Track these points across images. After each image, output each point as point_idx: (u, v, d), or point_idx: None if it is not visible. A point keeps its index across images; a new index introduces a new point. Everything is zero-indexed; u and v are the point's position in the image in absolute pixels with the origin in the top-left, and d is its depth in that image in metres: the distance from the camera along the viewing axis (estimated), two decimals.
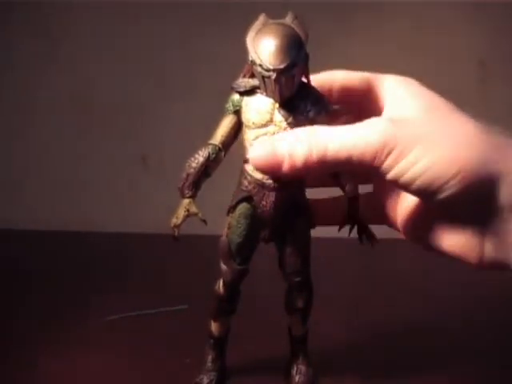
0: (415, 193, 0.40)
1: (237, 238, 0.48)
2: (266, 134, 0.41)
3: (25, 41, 1.34)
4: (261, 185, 0.44)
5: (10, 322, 0.84)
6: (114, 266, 1.10)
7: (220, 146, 0.45)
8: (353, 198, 0.46)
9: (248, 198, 0.46)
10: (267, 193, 0.43)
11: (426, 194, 0.40)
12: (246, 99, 0.43)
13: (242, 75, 0.46)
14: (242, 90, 0.44)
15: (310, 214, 0.47)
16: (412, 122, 0.41)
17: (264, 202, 0.44)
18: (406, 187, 0.40)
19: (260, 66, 0.40)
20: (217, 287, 0.51)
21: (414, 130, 0.39)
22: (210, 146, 0.45)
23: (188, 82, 1.33)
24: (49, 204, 1.37)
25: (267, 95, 0.42)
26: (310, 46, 1.43)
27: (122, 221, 1.34)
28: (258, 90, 0.45)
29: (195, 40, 1.32)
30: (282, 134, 0.41)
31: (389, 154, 0.38)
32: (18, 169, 1.39)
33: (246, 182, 0.45)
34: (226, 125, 0.45)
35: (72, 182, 1.37)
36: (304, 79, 0.45)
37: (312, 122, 0.42)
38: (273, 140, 0.41)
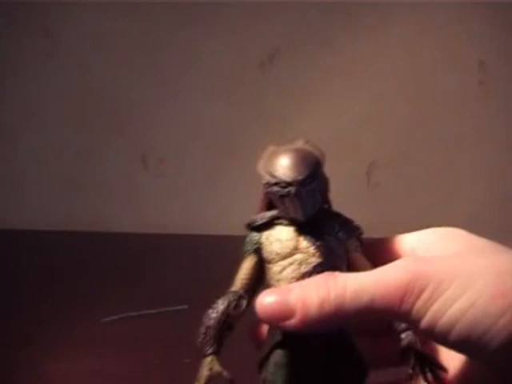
0: (455, 345, 0.32)
1: None
2: (292, 264, 0.37)
3: (25, 40, 1.34)
4: None
5: (10, 321, 0.84)
6: (114, 266, 1.10)
7: (241, 291, 0.39)
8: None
9: (282, 343, 0.37)
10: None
11: (469, 344, 0.31)
12: (266, 233, 0.39)
13: (257, 212, 0.40)
14: (259, 223, 0.39)
15: (361, 359, 0.38)
16: (446, 257, 0.33)
17: (303, 346, 0.37)
18: (444, 337, 0.31)
19: (276, 184, 0.36)
20: None
21: (450, 265, 0.32)
22: (230, 294, 0.39)
23: (188, 83, 1.34)
24: (48, 204, 1.37)
25: (288, 216, 0.37)
26: (313, 46, 1.44)
27: (122, 221, 1.34)
28: (277, 221, 0.38)
29: (195, 40, 1.32)
30: (296, 282, 0.35)
31: (420, 293, 0.31)
32: (17, 169, 1.38)
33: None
34: (245, 267, 0.39)
35: (72, 183, 1.37)
36: (324, 205, 0.39)
37: (344, 245, 0.37)
38: (285, 287, 0.35)
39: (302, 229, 0.37)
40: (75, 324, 0.83)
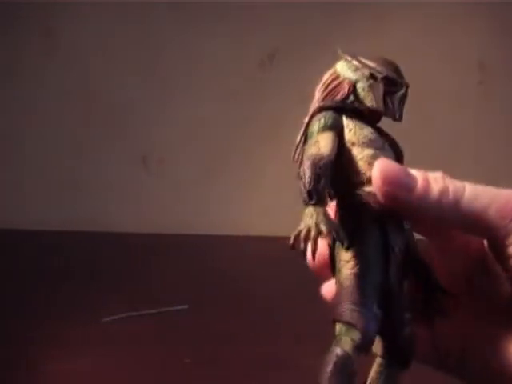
0: None
1: (374, 269, 0.34)
2: (383, 156, 0.35)
3: (25, 41, 1.34)
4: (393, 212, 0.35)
5: (10, 321, 0.84)
6: (113, 266, 1.10)
7: (332, 158, 0.34)
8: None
9: (380, 223, 0.35)
10: (397, 223, 0.35)
11: None
12: (347, 119, 0.36)
13: (321, 99, 0.37)
14: (341, 105, 0.36)
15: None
16: None
17: (395, 232, 0.35)
18: None
19: (386, 78, 0.37)
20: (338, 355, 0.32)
21: None
22: (326, 155, 0.34)
23: (188, 83, 1.34)
24: (48, 204, 1.37)
25: (382, 112, 0.37)
26: (312, 46, 1.44)
27: (123, 221, 1.34)
28: (356, 115, 0.36)
29: (195, 40, 1.32)
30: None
31: None
32: (17, 169, 1.38)
33: (372, 203, 0.35)
34: (331, 139, 0.35)
35: (72, 183, 1.37)
36: None
37: None
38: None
39: (379, 132, 0.37)
40: (75, 324, 0.83)
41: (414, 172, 0.34)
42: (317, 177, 0.33)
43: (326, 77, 0.39)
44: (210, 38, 1.31)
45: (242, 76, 1.33)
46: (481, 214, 0.33)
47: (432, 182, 0.34)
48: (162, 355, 0.74)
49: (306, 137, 0.36)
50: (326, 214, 0.32)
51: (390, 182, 0.33)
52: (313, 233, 0.32)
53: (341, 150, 0.35)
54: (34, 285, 1.00)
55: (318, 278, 0.38)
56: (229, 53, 1.32)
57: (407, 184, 0.33)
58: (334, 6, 1.29)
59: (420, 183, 0.33)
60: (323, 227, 0.32)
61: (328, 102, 0.37)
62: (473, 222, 0.34)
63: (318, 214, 0.32)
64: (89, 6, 1.32)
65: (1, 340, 0.79)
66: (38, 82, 1.35)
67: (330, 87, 0.38)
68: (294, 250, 0.32)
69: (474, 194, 0.33)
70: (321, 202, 0.32)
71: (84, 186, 1.37)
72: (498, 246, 0.34)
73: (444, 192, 0.33)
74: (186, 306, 0.90)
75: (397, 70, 0.38)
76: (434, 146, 1.32)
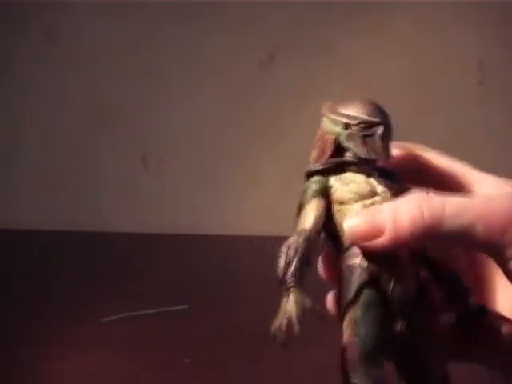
0: None
1: (371, 335, 0.36)
2: (373, 204, 0.36)
3: (25, 41, 1.34)
4: (393, 258, 0.36)
5: (10, 321, 0.84)
6: (113, 266, 1.10)
7: (313, 230, 0.37)
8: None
9: (372, 282, 0.36)
10: (399, 268, 0.35)
11: None
12: (334, 177, 0.38)
13: (314, 160, 0.38)
14: (325, 167, 0.38)
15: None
16: None
17: (395, 281, 0.36)
18: None
19: (362, 123, 0.36)
20: None
21: None
22: (305, 231, 0.37)
23: (188, 82, 1.34)
24: (48, 204, 1.37)
25: (368, 157, 0.37)
26: (312, 46, 1.43)
27: (122, 221, 1.34)
28: (346, 167, 0.37)
29: (195, 40, 1.32)
30: (387, 203, 0.34)
31: None
32: (16, 169, 1.38)
33: (364, 263, 0.36)
34: (315, 208, 0.37)
35: (71, 182, 1.37)
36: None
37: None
38: (376, 207, 0.34)
39: (372, 176, 0.37)
40: (75, 324, 0.84)
41: (382, 215, 0.33)
42: (286, 265, 0.35)
43: (316, 136, 0.40)
44: (210, 38, 1.31)
45: (242, 76, 1.33)
46: (466, 231, 0.32)
47: (402, 216, 0.33)
48: (162, 355, 0.74)
49: (300, 206, 0.37)
50: (296, 300, 0.34)
51: (356, 235, 0.34)
52: (283, 323, 0.33)
53: (332, 209, 0.37)
54: (34, 285, 1.00)
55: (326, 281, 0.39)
56: (229, 52, 1.32)
57: (375, 231, 0.33)
58: (334, 6, 1.29)
59: (389, 223, 0.33)
60: (291, 315, 0.33)
61: (312, 167, 0.38)
62: (459, 240, 0.33)
63: (289, 300, 0.34)
64: (88, 6, 1.32)
65: (1, 340, 0.79)
66: (38, 81, 1.35)
67: (319, 146, 0.39)
68: (285, 346, 0.33)
69: (457, 210, 0.32)
70: (293, 287, 0.34)
71: (84, 185, 1.37)
72: (496, 260, 0.33)
73: (416, 219, 0.32)
74: (186, 306, 0.90)
75: (374, 110, 0.37)
76: (433, 145, 1.32)
